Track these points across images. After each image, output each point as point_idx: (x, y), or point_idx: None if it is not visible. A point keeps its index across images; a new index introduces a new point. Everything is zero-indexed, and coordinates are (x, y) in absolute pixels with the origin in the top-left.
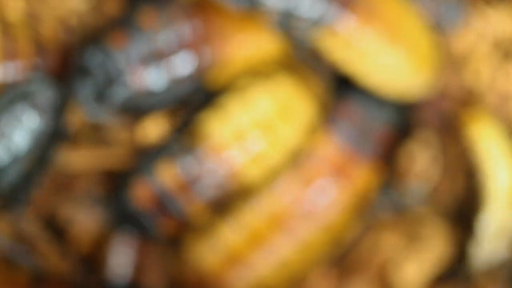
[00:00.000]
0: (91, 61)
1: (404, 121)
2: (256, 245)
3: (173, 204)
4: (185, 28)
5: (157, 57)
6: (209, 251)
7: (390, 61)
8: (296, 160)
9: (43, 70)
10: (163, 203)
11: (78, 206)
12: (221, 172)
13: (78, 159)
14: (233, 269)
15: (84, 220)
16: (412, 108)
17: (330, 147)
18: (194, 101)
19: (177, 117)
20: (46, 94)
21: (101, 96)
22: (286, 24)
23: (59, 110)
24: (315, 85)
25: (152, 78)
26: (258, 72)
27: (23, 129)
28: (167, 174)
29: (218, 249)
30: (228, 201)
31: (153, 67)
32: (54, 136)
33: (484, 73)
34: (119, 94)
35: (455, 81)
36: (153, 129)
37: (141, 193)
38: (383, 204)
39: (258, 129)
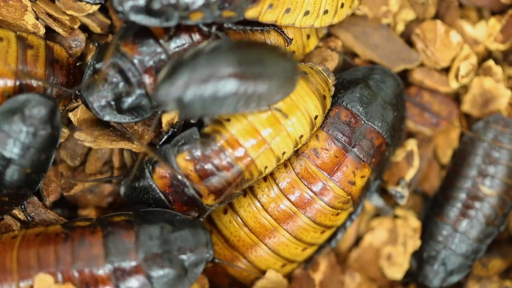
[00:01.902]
0: (107, 65)
1: (393, 127)
2: (261, 235)
3: (188, 192)
4: (189, 44)
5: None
6: (218, 241)
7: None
8: (293, 156)
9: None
10: (179, 191)
11: (92, 190)
12: (234, 166)
13: (94, 140)
14: (239, 258)
15: (99, 205)
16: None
17: (323, 147)
18: None
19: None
20: (39, 108)
21: (116, 100)
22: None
23: (52, 121)
24: (321, 86)
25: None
26: None
27: (18, 141)
28: (184, 164)
29: (226, 239)
30: (239, 193)
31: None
32: (50, 144)
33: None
34: (128, 101)
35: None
36: (172, 120)
37: (160, 180)
38: (372, 204)
39: (270, 127)
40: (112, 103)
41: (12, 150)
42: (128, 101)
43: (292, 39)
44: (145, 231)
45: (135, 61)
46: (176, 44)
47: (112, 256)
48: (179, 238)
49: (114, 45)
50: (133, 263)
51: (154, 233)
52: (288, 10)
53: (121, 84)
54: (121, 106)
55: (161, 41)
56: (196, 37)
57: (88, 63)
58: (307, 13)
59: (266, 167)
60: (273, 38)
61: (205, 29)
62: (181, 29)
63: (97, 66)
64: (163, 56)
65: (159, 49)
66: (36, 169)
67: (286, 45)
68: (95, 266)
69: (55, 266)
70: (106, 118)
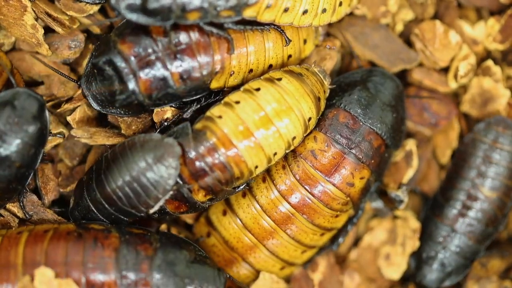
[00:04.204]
0: (103, 62)
1: (393, 128)
2: (260, 237)
3: (179, 189)
4: (188, 43)
5: (159, 67)
6: (217, 243)
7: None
8: (291, 158)
9: None
10: None
11: None
12: (226, 165)
13: (90, 136)
14: (238, 260)
15: None
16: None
17: (320, 149)
18: (204, 97)
19: (188, 109)
20: (30, 102)
21: (110, 95)
22: (215, 14)
23: (41, 116)
24: (316, 88)
25: (151, 88)
26: (267, 74)
27: (7, 135)
28: None
29: (225, 240)
30: (231, 190)
31: (153, 77)
32: (38, 139)
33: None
34: (121, 99)
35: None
36: (167, 115)
37: None
38: (370, 205)
39: (263, 127)
40: (108, 98)
41: (2, 144)
42: (120, 98)
43: (291, 40)
44: (166, 251)
45: (131, 60)
46: (173, 43)
47: (123, 264)
48: (195, 270)
49: (112, 42)
50: (143, 276)
51: (174, 256)
52: (286, 9)
53: (116, 82)
54: (114, 103)
55: (158, 40)
56: (196, 35)
57: (90, 55)
58: (305, 12)
59: (256, 167)
60: (271, 39)
61: (207, 28)
62: (180, 28)
63: (94, 61)
64: (159, 55)
65: (155, 48)
66: (26, 164)
67: (285, 45)
68: (104, 270)
69: (63, 263)
70: (102, 111)
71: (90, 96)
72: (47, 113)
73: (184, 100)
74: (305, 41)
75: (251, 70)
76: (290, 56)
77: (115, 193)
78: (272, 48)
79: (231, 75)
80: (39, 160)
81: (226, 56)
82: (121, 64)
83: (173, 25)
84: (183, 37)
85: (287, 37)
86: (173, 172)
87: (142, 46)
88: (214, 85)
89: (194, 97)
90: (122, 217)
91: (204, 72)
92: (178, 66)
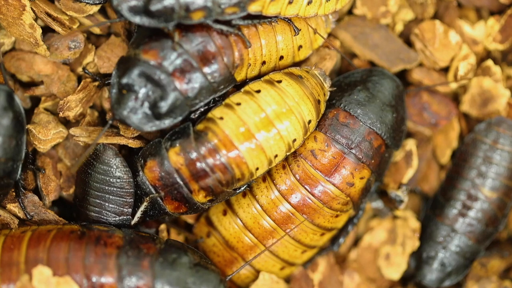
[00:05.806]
0: (134, 77)
1: (393, 128)
2: (260, 237)
3: (178, 187)
4: (208, 39)
5: (189, 66)
6: (217, 243)
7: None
8: (291, 158)
9: None
10: (169, 185)
11: None
12: (227, 166)
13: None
14: (238, 260)
15: None
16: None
17: (320, 149)
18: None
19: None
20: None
21: (152, 107)
22: (220, 10)
23: (12, 106)
24: (316, 91)
25: (187, 87)
26: (267, 76)
27: None
28: (176, 159)
29: (225, 240)
30: (231, 192)
31: (186, 76)
32: (16, 129)
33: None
34: (165, 104)
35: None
36: None
37: (150, 173)
38: (371, 205)
39: (264, 129)
40: (149, 112)
41: None
42: (166, 103)
43: (300, 30)
44: (170, 251)
45: (161, 65)
46: (194, 42)
47: (124, 260)
48: (197, 273)
49: (133, 56)
50: (144, 274)
51: (177, 257)
52: (291, 1)
53: (154, 91)
54: (159, 112)
55: (178, 41)
56: (213, 32)
57: (111, 82)
58: (309, 2)
59: (257, 169)
60: (280, 32)
61: (216, 26)
62: (196, 26)
63: (123, 81)
64: (185, 56)
65: (179, 50)
66: (11, 157)
67: (294, 35)
68: (104, 267)
69: (64, 260)
70: (147, 129)
71: (129, 119)
72: (17, 100)
73: (216, 95)
74: (315, 31)
75: (264, 62)
76: (300, 46)
77: (94, 206)
78: (282, 40)
79: (248, 67)
80: (23, 150)
81: (244, 50)
82: (153, 71)
83: (175, 26)
84: (201, 35)
85: (296, 27)
86: (122, 168)
87: (166, 49)
88: (237, 77)
89: (224, 91)
90: (116, 218)
91: (228, 65)
92: (205, 63)
